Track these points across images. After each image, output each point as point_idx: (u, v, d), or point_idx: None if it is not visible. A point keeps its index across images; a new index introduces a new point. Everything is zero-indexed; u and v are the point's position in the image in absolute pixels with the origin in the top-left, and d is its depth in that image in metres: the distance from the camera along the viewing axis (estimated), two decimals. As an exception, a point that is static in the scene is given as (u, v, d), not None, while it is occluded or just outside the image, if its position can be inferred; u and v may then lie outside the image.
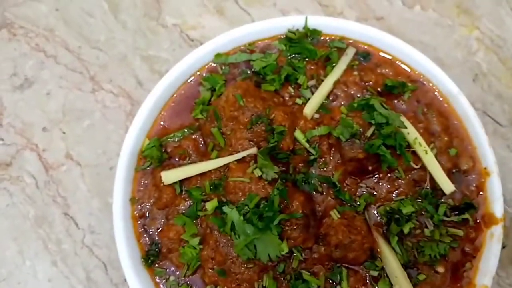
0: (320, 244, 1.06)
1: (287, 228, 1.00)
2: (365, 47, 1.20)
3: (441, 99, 1.17)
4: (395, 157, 1.06)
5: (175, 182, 1.11)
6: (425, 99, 1.16)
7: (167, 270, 1.11)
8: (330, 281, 1.06)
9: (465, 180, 1.12)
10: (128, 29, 1.52)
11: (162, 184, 1.11)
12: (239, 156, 1.07)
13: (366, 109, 1.06)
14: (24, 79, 1.49)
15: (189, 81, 1.21)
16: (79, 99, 1.47)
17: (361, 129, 1.04)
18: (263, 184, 1.03)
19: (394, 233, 1.06)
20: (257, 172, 1.03)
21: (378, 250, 1.07)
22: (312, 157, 1.09)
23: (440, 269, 1.07)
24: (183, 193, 1.12)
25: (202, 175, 1.11)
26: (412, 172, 1.09)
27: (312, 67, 1.18)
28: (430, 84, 1.17)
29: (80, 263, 1.35)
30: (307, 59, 1.19)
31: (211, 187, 1.09)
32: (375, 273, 1.06)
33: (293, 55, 1.20)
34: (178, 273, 1.11)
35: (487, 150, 1.10)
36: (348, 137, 1.05)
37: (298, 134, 1.09)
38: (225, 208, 1.02)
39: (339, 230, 1.02)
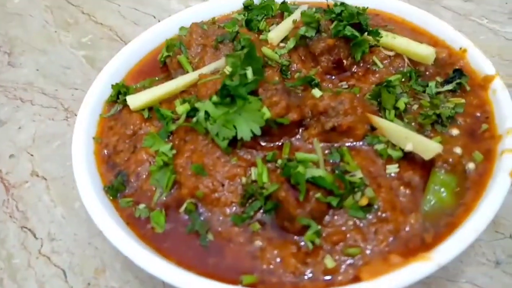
0: (310, 124, 0.92)
1: (264, 96, 0.89)
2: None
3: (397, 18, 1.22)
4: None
5: (143, 110, 1.02)
6: (384, 21, 1.21)
7: (135, 199, 0.91)
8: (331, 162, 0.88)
9: (448, 64, 1.07)
10: (104, 72, 1.61)
11: (129, 114, 1.02)
12: (208, 68, 1.03)
13: (324, 12, 1.09)
14: (-3, 122, 1.49)
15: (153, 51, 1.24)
16: (51, 127, 1.45)
17: (324, 21, 1.05)
18: (234, 78, 0.97)
19: (389, 107, 0.94)
20: (227, 70, 0.98)
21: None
22: (284, 63, 1.06)
23: (454, 132, 0.91)
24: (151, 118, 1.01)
25: (172, 101, 1.03)
26: (389, 60, 1.05)
27: (272, 20, 1.25)
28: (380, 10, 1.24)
29: (33, 276, 1.09)
30: (265, 17, 1.27)
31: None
32: (380, 146, 0.89)
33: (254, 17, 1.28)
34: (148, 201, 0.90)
35: (455, 35, 1.10)
36: (314, 33, 1.05)
37: (265, 49, 1.08)
38: (197, 104, 0.92)
39: (325, 96, 0.91)
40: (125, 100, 1.04)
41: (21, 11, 1.93)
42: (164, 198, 0.89)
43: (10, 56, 1.72)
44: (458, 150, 0.87)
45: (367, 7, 1.14)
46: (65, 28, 1.82)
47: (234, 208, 0.85)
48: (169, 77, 1.13)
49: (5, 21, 1.88)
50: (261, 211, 0.84)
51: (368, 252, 0.77)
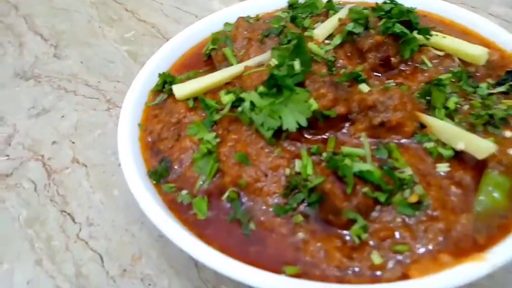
0: (357, 118, 0.91)
1: (312, 88, 0.88)
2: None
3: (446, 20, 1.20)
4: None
5: (188, 99, 1.03)
6: (432, 23, 1.19)
7: (178, 185, 0.91)
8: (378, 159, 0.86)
9: (499, 67, 1.04)
10: (146, 66, 1.64)
11: (174, 103, 1.03)
12: (253, 60, 1.03)
13: (372, 10, 1.08)
14: (41, 109, 1.53)
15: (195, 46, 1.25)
16: (93, 116, 1.47)
17: (372, 18, 1.04)
18: (281, 70, 0.96)
19: (439, 106, 0.92)
20: (274, 62, 0.98)
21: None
22: (330, 59, 1.05)
23: (508, 133, 0.88)
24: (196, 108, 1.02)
25: (216, 92, 1.04)
26: (438, 60, 1.03)
27: (317, 18, 1.25)
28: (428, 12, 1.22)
29: (71, 258, 1.10)
30: (310, 15, 1.26)
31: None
32: (430, 144, 0.87)
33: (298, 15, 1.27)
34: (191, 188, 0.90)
35: (506, 37, 1.07)
36: (361, 29, 1.04)
37: (310, 45, 1.07)
38: (243, 94, 0.92)
39: (374, 91, 0.89)
40: (170, 89, 1.05)
41: (67, 7, 2.00)
42: (206, 186, 0.89)
43: (56, 49, 1.77)
44: (512, 151, 0.84)
45: (415, 8, 1.12)
46: (109, 23, 1.87)
47: (277, 199, 0.84)
48: (213, 70, 1.13)
49: (52, 16, 1.95)
50: (304, 203, 0.83)
51: (417, 250, 0.75)
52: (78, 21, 1.91)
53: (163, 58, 1.17)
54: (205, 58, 1.17)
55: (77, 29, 1.86)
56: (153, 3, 1.96)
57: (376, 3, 1.08)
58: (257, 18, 1.30)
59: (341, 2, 1.31)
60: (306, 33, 1.16)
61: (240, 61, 1.08)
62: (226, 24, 1.28)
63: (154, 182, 0.91)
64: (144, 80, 1.09)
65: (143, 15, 1.90)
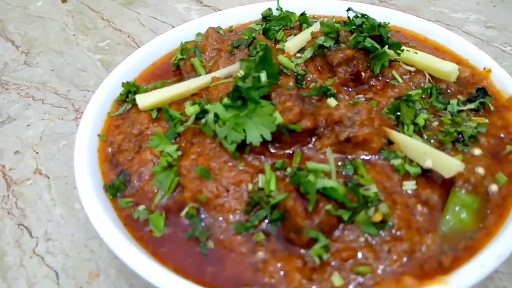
0: (323, 133, 0.88)
1: (277, 101, 0.85)
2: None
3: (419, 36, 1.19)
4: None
5: (152, 110, 0.99)
6: (405, 38, 1.18)
7: (135, 200, 0.87)
8: (343, 175, 0.83)
9: (470, 84, 1.02)
10: (118, 76, 1.60)
11: (137, 114, 0.99)
12: (221, 72, 1.00)
13: (344, 24, 1.06)
14: (6, 117, 1.47)
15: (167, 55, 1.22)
16: (60, 126, 1.43)
17: (343, 32, 1.02)
18: (248, 83, 0.93)
19: (408, 122, 0.90)
20: (241, 73, 0.95)
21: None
22: (299, 73, 1.02)
23: (477, 151, 0.86)
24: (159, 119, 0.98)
25: (182, 104, 1.00)
26: (409, 76, 1.01)
27: (290, 32, 1.23)
28: (401, 27, 1.21)
29: (24, 275, 1.05)
30: (283, 28, 1.24)
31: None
32: (397, 161, 0.84)
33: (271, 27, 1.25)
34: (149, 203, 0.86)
35: (479, 54, 1.06)
36: (332, 43, 1.02)
37: (281, 57, 1.05)
38: (207, 106, 0.89)
39: (341, 106, 0.87)
40: (134, 99, 1.01)
41: (42, 14, 1.95)
42: (165, 201, 0.85)
43: (27, 56, 1.73)
44: (480, 170, 0.82)
45: (388, 23, 1.11)
46: (83, 32, 1.83)
47: (238, 215, 0.80)
48: (181, 80, 1.10)
49: (26, 23, 1.90)
50: (266, 221, 0.79)
51: (379, 271, 0.71)
52: (52, 29, 1.86)
53: (131, 66, 1.13)
54: (174, 68, 1.14)
55: (51, 36, 1.82)
56: (130, 13, 1.93)
57: (348, 17, 1.07)
58: (230, 30, 1.27)
59: (315, 16, 1.30)
60: (278, 46, 1.14)
61: (208, 72, 1.05)
62: (199, 34, 1.25)
63: (110, 196, 0.86)
64: (109, 89, 1.05)
65: (119, 24, 1.86)
